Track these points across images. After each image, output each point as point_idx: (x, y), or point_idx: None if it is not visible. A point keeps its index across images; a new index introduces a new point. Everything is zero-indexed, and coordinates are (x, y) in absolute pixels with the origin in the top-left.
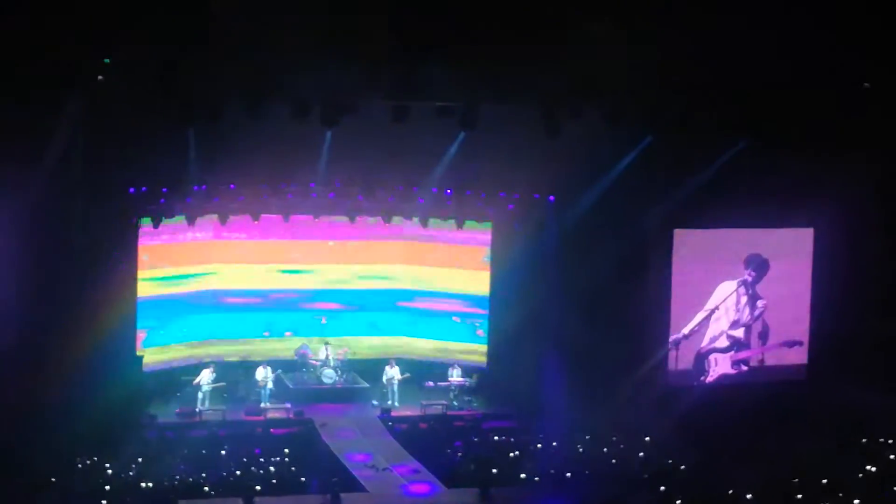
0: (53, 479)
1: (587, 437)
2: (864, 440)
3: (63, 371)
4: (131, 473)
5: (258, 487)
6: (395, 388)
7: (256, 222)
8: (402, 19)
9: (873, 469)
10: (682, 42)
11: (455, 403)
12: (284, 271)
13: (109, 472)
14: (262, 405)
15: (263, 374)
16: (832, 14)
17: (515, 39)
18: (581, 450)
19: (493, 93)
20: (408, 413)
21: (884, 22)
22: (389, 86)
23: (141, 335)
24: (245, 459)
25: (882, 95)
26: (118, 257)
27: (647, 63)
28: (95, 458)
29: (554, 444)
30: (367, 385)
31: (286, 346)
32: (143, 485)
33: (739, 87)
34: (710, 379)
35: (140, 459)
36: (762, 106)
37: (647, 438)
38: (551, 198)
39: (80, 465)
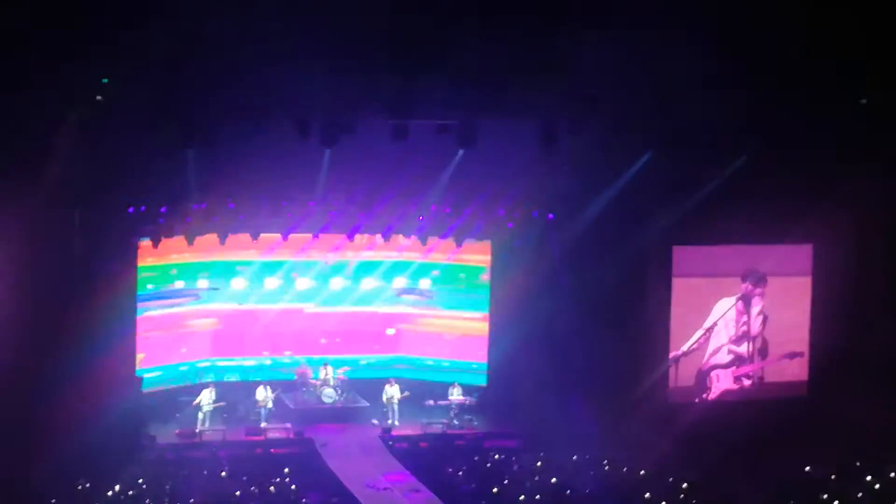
0: (53, 501)
1: (588, 455)
2: (865, 455)
3: (61, 392)
4: (131, 493)
5: None
6: (396, 407)
7: (255, 241)
8: (399, 36)
9: (876, 485)
10: (680, 57)
11: (455, 422)
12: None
13: (109, 494)
14: (263, 425)
15: (264, 394)
16: (831, 30)
17: (513, 54)
18: (582, 468)
19: (492, 110)
20: (408, 432)
21: (882, 37)
22: (388, 103)
23: (141, 355)
24: (245, 479)
25: (879, 111)
26: None
27: (646, 78)
28: (95, 481)
29: (555, 462)
30: (367, 404)
31: (286, 366)
32: None
33: (740, 101)
34: (712, 395)
35: (140, 481)
36: (762, 121)
37: (649, 456)
38: (550, 215)
39: (79, 488)
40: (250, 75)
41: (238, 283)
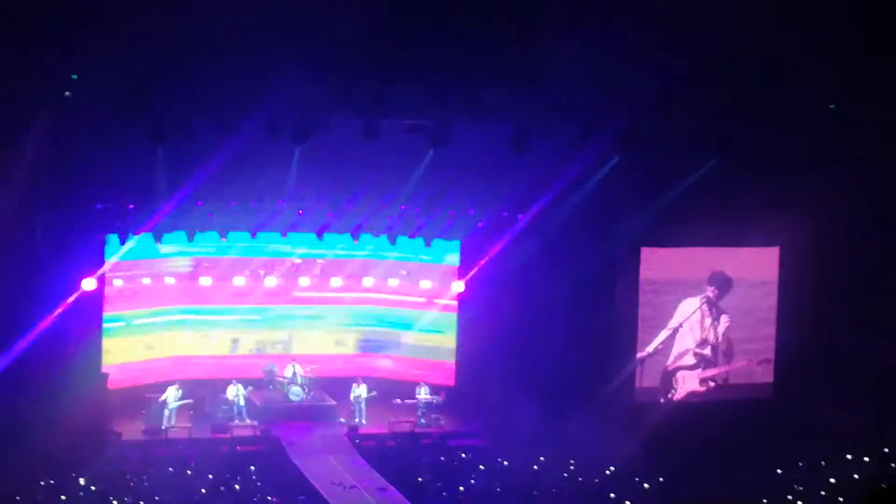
0: (18, 499)
1: (555, 454)
2: (829, 457)
3: (26, 390)
4: (93, 489)
5: None
6: (363, 405)
7: (224, 239)
8: (373, 36)
9: (839, 486)
10: (651, 61)
11: (423, 421)
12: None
13: (74, 491)
14: (236, 422)
15: (234, 392)
16: (800, 35)
17: (486, 57)
18: (548, 467)
19: (463, 111)
20: (375, 431)
21: (851, 41)
22: (359, 103)
23: (106, 352)
24: (211, 477)
25: (848, 115)
26: None
27: (616, 82)
28: (60, 478)
29: (521, 461)
30: (334, 403)
31: (253, 363)
32: None
33: (707, 106)
34: (677, 397)
35: (105, 478)
36: (730, 125)
37: (615, 455)
38: (520, 216)
39: (43, 484)
40: (221, 73)
41: (205, 281)
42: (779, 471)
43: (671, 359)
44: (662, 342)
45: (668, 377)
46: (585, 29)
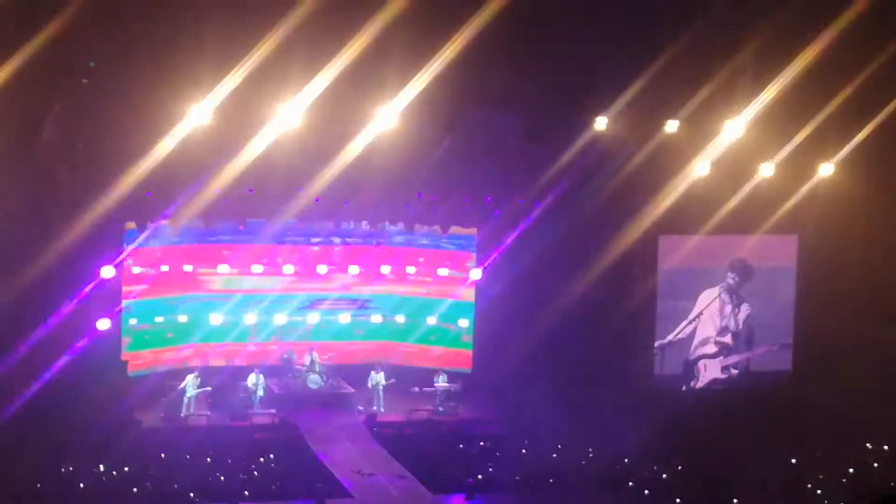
0: (38, 485)
1: (572, 442)
2: (847, 445)
3: (47, 377)
4: (114, 473)
5: (246, 493)
6: (381, 393)
7: (242, 227)
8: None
9: (857, 474)
10: (666, 48)
11: (441, 409)
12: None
13: (94, 477)
14: (253, 410)
15: (255, 380)
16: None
17: (500, 46)
18: (566, 455)
19: (479, 99)
20: (393, 419)
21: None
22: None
23: (126, 340)
24: (229, 463)
25: (865, 102)
26: None
27: (632, 68)
28: (80, 465)
29: (538, 449)
30: (352, 390)
31: (271, 351)
32: (128, 490)
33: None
34: (700, 384)
35: (124, 465)
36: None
37: (632, 443)
38: (538, 203)
39: (63, 471)
40: (239, 56)
41: (224, 269)
42: (796, 459)
43: (693, 347)
44: (682, 331)
45: (691, 366)
46: (602, 21)
